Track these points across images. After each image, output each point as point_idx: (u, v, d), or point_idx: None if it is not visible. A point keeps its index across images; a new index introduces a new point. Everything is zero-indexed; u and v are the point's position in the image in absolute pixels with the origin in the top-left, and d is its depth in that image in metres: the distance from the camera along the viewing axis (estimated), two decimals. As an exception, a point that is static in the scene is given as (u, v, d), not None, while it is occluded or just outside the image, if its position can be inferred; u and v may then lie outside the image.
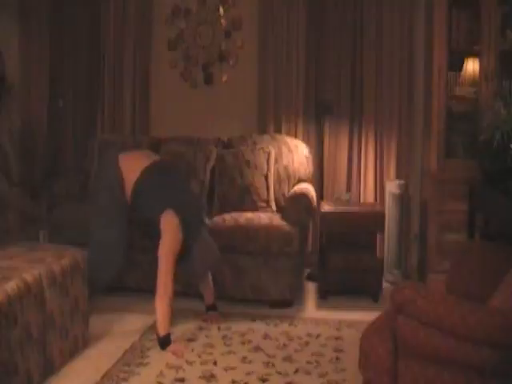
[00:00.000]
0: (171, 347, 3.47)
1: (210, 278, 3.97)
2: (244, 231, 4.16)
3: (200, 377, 3.18)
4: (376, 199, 4.97)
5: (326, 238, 4.58)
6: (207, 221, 4.13)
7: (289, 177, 4.72)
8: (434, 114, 4.47)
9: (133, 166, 3.84)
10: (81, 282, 3.43)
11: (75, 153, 5.44)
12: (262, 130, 5.09)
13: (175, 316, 3.97)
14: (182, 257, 3.66)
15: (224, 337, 3.71)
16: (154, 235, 3.68)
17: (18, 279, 2.86)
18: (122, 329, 3.81)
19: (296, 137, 5.00)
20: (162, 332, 3.48)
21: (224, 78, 5.28)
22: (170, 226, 3.62)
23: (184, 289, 4.32)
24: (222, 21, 5.22)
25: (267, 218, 4.30)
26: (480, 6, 4.34)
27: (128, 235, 4.01)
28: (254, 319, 3.99)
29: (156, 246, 3.61)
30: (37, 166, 5.36)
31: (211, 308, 3.99)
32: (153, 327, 3.80)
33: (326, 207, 4.53)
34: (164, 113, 5.35)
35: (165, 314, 3.49)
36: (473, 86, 4.51)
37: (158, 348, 3.50)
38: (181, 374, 3.21)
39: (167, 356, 3.42)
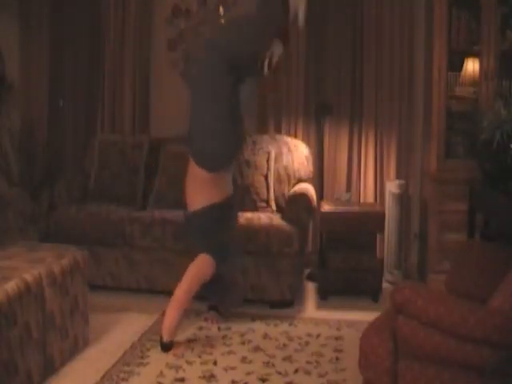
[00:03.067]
0: (172, 351, 3.47)
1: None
2: (244, 231, 4.16)
3: (200, 377, 3.18)
4: (376, 199, 4.97)
5: (326, 238, 4.58)
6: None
7: (289, 177, 4.72)
8: (434, 114, 4.48)
9: None
10: (81, 281, 3.43)
11: (75, 153, 5.44)
12: (262, 130, 5.08)
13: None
14: (212, 282, 3.65)
15: (224, 337, 3.71)
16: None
17: (18, 279, 2.86)
18: (122, 329, 3.81)
19: (296, 137, 5.00)
20: (166, 338, 3.47)
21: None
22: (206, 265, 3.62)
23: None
24: (222, 21, 5.22)
25: (267, 218, 4.30)
26: (480, 6, 4.34)
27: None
28: (253, 319, 3.99)
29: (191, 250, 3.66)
30: (37, 166, 5.36)
31: (213, 308, 3.99)
32: (153, 327, 3.81)
33: (326, 207, 4.53)
34: (164, 113, 5.35)
35: (174, 322, 3.50)
36: (473, 86, 4.51)
37: (158, 348, 3.50)
38: (181, 374, 3.21)
39: (167, 356, 3.43)
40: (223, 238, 3.68)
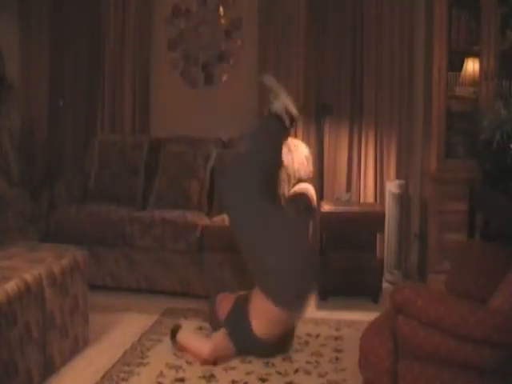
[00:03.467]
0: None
1: None
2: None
3: (200, 377, 3.18)
4: (376, 199, 4.97)
5: (326, 238, 4.58)
6: None
7: (289, 177, 4.71)
8: (434, 114, 4.47)
9: None
10: (81, 281, 3.43)
11: (75, 153, 5.44)
12: (262, 130, 5.07)
13: (175, 315, 3.98)
14: None
15: (224, 337, 3.71)
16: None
17: (18, 279, 2.86)
18: (122, 329, 3.81)
19: (296, 137, 4.99)
20: (206, 352, 3.34)
21: (224, 78, 5.28)
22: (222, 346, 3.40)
23: (183, 289, 4.33)
24: (222, 21, 5.22)
25: (267, 217, 4.30)
26: (480, 7, 4.34)
27: None
28: (253, 319, 3.98)
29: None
30: (37, 166, 5.36)
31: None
32: (153, 327, 3.82)
33: (326, 207, 4.53)
34: (164, 113, 5.35)
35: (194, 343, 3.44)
36: (473, 86, 4.51)
37: (158, 348, 3.50)
38: (181, 374, 3.21)
39: (167, 356, 3.42)
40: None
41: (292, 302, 3.36)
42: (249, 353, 3.39)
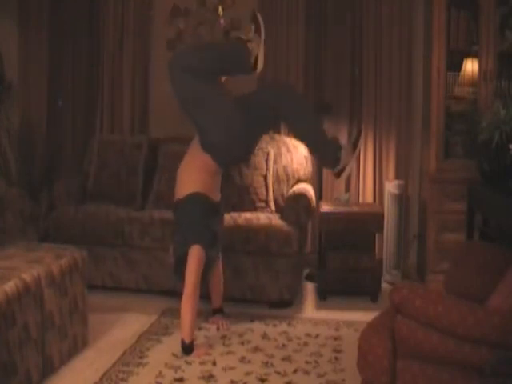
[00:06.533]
0: (194, 353, 3.45)
1: (222, 280, 3.95)
2: (243, 231, 4.17)
3: (199, 377, 3.18)
4: (375, 199, 4.97)
5: (325, 239, 4.58)
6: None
7: (288, 177, 4.72)
8: (433, 114, 4.48)
9: None
10: (80, 281, 3.43)
11: (74, 153, 5.44)
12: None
13: (175, 316, 3.98)
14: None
15: (223, 337, 3.71)
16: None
17: (16, 279, 2.86)
18: (122, 329, 3.81)
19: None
20: (187, 339, 3.45)
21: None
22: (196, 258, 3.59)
23: (183, 289, 4.32)
24: (222, 21, 5.22)
25: (266, 218, 4.31)
26: (479, 7, 4.34)
27: None
28: (252, 319, 3.99)
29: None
30: (36, 166, 5.36)
31: (218, 311, 3.97)
32: (152, 327, 3.82)
33: (325, 207, 4.53)
34: (163, 113, 5.34)
35: (190, 321, 3.47)
36: (472, 86, 4.51)
37: (157, 348, 3.51)
38: (180, 374, 3.21)
39: (166, 356, 3.43)
40: (209, 226, 3.68)
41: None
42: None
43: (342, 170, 3.84)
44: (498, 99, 4.02)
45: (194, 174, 3.71)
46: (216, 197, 3.79)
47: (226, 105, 3.70)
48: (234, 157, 3.89)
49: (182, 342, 3.46)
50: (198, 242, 3.56)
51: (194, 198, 3.66)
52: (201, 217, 3.65)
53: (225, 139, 3.66)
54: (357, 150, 3.83)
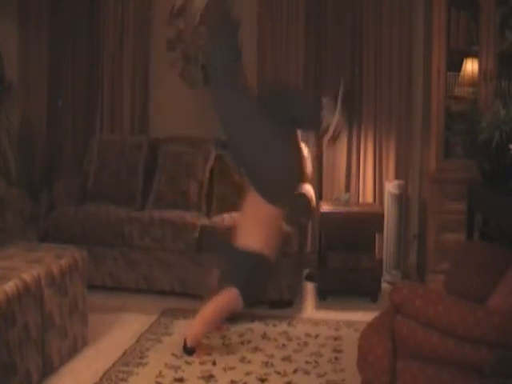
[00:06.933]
0: (195, 353, 3.45)
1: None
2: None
3: (199, 377, 3.18)
4: (375, 199, 4.97)
5: (325, 239, 4.58)
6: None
7: (288, 177, 4.71)
8: (433, 114, 4.48)
9: None
10: (80, 281, 3.43)
11: (74, 153, 5.44)
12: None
13: (175, 316, 3.98)
14: None
15: (223, 337, 3.71)
16: None
17: (16, 279, 2.86)
18: (121, 329, 3.81)
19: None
20: (190, 344, 3.43)
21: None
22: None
23: (182, 289, 4.33)
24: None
25: (266, 218, 4.30)
26: (479, 7, 4.34)
27: None
28: (252, 319, 3.99)
29: None
30: (36, 166, 5.36)
31: None
32: (152, 327, 3.82)
33: (325, 207, 4.53)
34: (163, 113, 5.34)
35: (200, 334, 3.47)
36: (472, 86, 4.51)
37: (157, 348, 3.51)
38: (180, 374, 3.21)
39: (166, 356, 3.42)
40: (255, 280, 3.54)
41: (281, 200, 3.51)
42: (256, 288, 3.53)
43: (327, 130, 3.71)
44: (498, 99, 4.02)
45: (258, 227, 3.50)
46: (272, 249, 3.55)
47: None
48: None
49: (185, 343, 3.44)
50: (239, 289, 3.45)
51: (254, 259, 3.46)
52: (254, 275, 3.50)
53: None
54: (338, 106, 3.71)
